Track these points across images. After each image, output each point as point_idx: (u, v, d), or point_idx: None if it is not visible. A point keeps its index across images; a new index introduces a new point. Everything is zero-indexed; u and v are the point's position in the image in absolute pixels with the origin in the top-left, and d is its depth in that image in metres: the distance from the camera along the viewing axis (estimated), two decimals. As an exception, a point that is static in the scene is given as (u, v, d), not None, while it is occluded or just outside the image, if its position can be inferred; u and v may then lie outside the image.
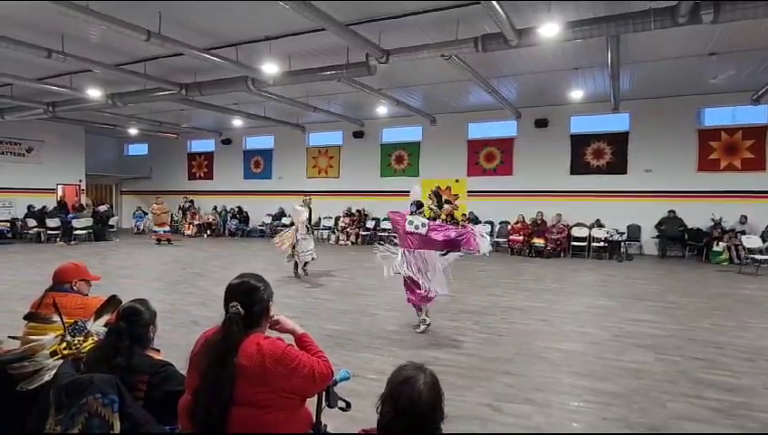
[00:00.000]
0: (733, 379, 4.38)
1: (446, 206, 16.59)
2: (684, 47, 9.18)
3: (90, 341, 2.42)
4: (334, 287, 8.65)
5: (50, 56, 8.50)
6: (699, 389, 4.13)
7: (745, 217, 12.38)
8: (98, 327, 2.50)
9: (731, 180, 12.81)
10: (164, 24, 7.79)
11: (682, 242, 13.14)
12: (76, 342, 2.42)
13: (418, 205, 5.85)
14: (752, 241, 11.47)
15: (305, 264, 9.63)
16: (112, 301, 2.51)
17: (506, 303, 7.48)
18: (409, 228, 5.66)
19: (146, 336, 2.27)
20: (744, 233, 11.95)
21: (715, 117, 13.20)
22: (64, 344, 2.39)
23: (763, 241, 11.58)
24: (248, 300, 1.90)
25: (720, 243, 12.13)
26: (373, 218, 16.87)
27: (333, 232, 16.96)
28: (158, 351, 2.41)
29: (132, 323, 2.21)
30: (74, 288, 3.44)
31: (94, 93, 11.54)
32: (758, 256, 10.94)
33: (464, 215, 15.60)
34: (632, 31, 7.12)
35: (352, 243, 16.24)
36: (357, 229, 16.56)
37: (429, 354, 4.87)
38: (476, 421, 3.51)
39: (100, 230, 16.90)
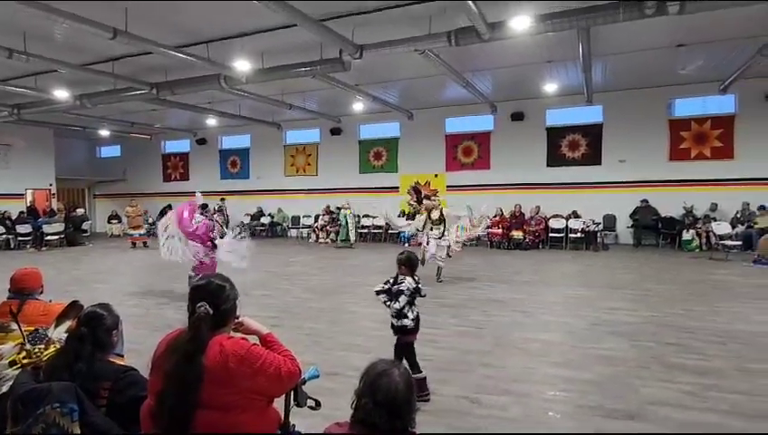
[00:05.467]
0: (704, 362, 4.49)
1: (425, 201, 16.66)
2: (653, 39, 9.33)
3: (51, 348, 2.35)
4: (313, 285, 8.59)
5: (11, 56, 8.20)
6: (672, 373, 4.22)
7: (716, 205, 12.69)
8: (59, 334, 2.42)
9: (701, 169, 13.12)
10: (130, 21, 7.59)
11: (656, 230, 13.41)
12: (36, 350, 2.34)
13: (204, 207, 7.75)
14: (722, 228, 11.78)
15: (438, 270, 8.64)
16: (74, 306, 2.44)
17: (485, 295, 7.53)
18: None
19: (108, 341, 2.20)
20: (714, 220, 12.25)
21: (686, 107, 13.49)
22: (24, 353, 2.31)
23: (733, 227, 11.90)
24: (215, 300, 1.86)
25: (690, 230, 12.43)
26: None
27: (313, 231, 16.83)
28: (122, 356, 2.34)
29: (94, 327, 2.15)
30: (41, 294, 3.36)
31: (61, 94, 11.21)
32: (728, 242, 11.24)
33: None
34: (601, 23, 7.22)
35: (332, 241, 16.15)
36: (336, 227, 16.46)
37: (408, 349, 4.86)
38: (454, 414, 3.51)
39: (73, 235, 16.47)
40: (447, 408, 3.60)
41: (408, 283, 3.80)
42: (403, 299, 3.77)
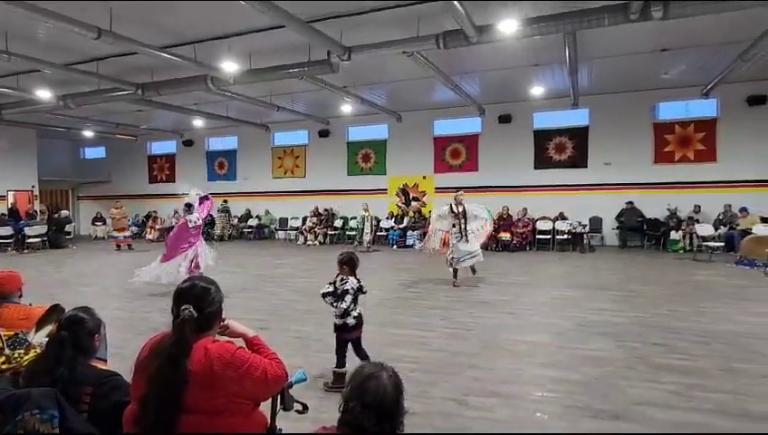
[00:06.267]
0: (689, 362, 4.54)
1: (413, 203, 16.72)
2: (638, 44, 9.45)
3: (31, 353, 2.30)
4: (300, 287, 8.53)
5: (-8, 55, 8.07)
6: (658, 373, 4.26)
7: (699, 207, 12.88)
8: (40, 338, 2.37)
9: (685, 171, 13.32)
10: (116, 20, 7.49)
11: (641, 232, 13.58)
12: (16, 355, 2.29)
13: (189, 206, 7.93)
14: (705, 229, 11.97)
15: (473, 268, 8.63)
16: (54, 310, 2.39)
17: (473, 297, 7.55)
18: (191, 225, 7.89)
19: (90, 345, 2.15)
20: (697, 222, 12.43)
21: (670, 111, 13.67)
22: (3, 359, 2.26)
23: (716, 229, 12.09)
24: (200, 303, 1.84)
25: (679, 231, 12.61)
26: (341, 218, 16.78)
27: (301, 232, 16.75)
28: (105, 361, 2.30)
29: (75, 331, 2.10)
30: (21, 297, 3.29)
31: (44, 94, 11.02)
32: (711, 244, 11.42)
33: (431, 212, 15.67)
34: (587, 27, 7.28)
35: (320, 243, 16.10)
36: (324, 229, 16.43)
37: (396, 352, 4.85)
38: (441, 416, 3.51)
39: (56, 237, 16.18)
40: (436, 410, 3.60)
41: (351, 282, 4.05)
42: (349, 298, 4.02)
